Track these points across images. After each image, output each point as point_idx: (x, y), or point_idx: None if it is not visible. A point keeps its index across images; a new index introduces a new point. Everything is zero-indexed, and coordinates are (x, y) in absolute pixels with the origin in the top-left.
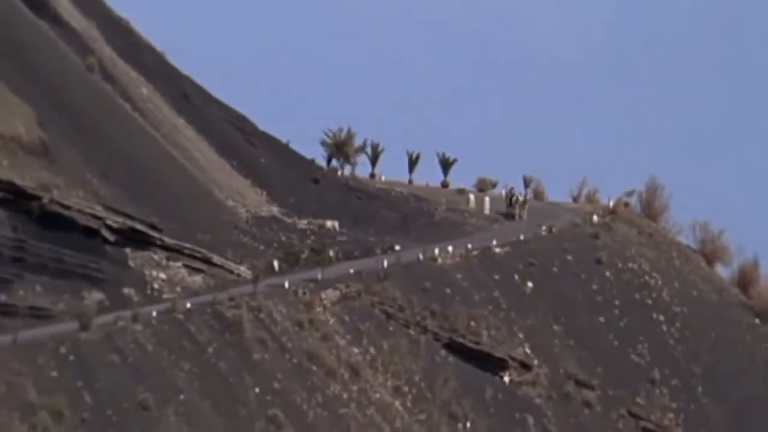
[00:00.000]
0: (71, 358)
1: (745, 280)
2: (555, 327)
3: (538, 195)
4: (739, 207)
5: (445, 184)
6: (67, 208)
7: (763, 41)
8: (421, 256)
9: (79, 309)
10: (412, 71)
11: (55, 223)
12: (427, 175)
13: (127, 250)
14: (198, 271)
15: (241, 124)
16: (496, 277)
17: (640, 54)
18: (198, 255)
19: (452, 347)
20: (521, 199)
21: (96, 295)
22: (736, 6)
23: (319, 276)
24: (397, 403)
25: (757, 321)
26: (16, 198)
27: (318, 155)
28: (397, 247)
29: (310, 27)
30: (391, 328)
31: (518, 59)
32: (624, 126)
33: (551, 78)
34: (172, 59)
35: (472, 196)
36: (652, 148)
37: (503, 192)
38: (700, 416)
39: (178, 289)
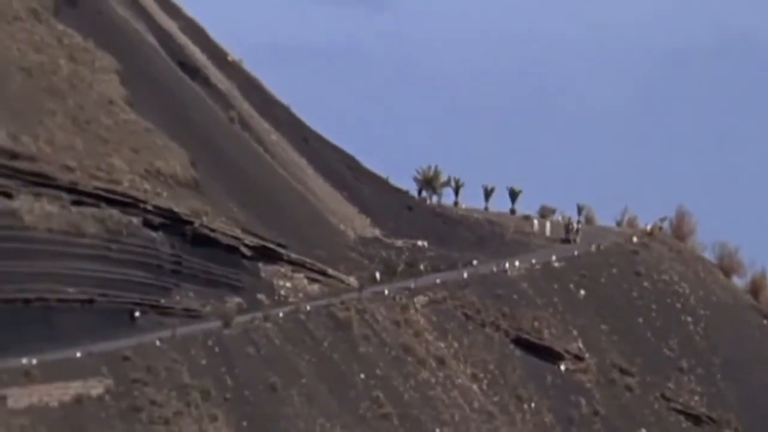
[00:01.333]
0: (216, 349)
1: (755, 288)
2: (602, 326)
3: (589, 220)
4: (751, 229)
5: (513, 211)
6: (213, 230)
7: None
8: (494, 269)
9: (222, 310)
10: (487, 119)
11: (203, 242)
12: (499, 204)
13: (260, 264)
14: (316, 280)
15: (349, 162)
16: (555, 286)
17: (668, 106)
18: (316, 268)
19: (519, 342)
20: (576, 227)
21: (235, 300)
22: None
23: (412, 285)
24: (474, 387)
25: (765, 322)
26: (173, 222)
27: (411, 187)
28: (475, 262)
29: (396, 82)
30: (470, 327)
31: (572, 108)
32: (659, 163)
33: (600, 122)
34: (295, 111)
35: (535, 221)
36: (681, 182)
37: (561, 219)
38: (719, 398)
39: (300, 295)
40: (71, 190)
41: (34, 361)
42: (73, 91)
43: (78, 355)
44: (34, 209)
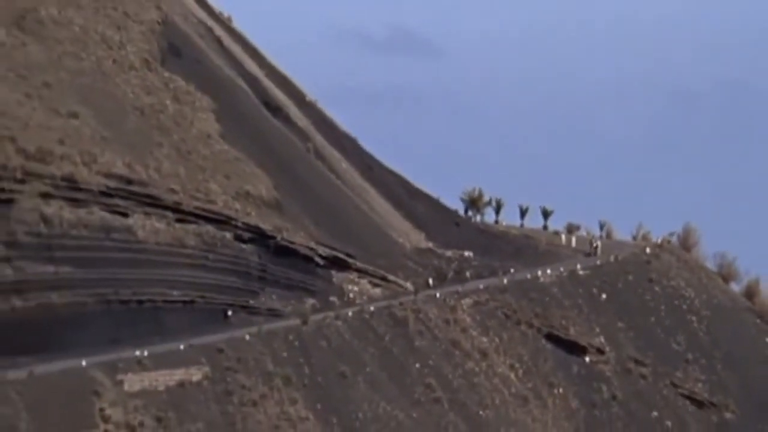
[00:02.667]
0: (295, 343)
1: (750, 293)
2: (620, 324)
3: (608, 234)
4: (746, 242)
5: (545, 227)
6: (292, 243)
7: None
8: (528, 276)
9: (300, 310)
10: (523, 149)
11: (284, 253)
12: (533, 221)
13: (332, 271)
14: (378, 285)
15: (406, 185)
16: (580, 290)
17: (675, 139)
18: (378, 274)
19: (549, 338)
20: (596, 244)
21: (311, 301)
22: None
23: (459, 289)
24: (512, 376)
25: (758, 321)
26: (259, 237)
27: (459, 207)
28: (512, 270)
29: (445, 117)
30: (508, 325)
31: (596, 140)
32: (668, 186)
33: (618, 152)
34: (361, 143)
35: (563, 236)
36: (687, 202)
37: (585, 235)
38: (719, 385)
39: (365, 297)
40: (175, 209)
41: (146, 353)
42: (177, 127)
43: (181, 347)
44: (145, 226)
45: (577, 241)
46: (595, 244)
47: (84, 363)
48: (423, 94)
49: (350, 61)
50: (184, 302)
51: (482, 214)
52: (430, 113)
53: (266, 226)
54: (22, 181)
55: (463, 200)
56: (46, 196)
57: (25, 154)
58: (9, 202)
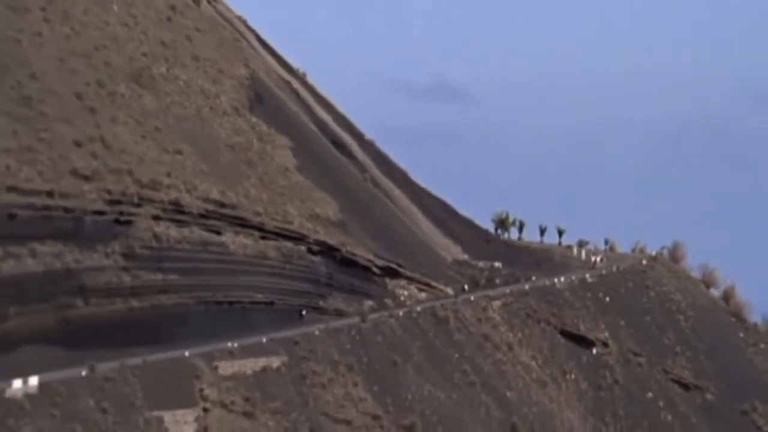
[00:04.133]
0: (356, 337)
1: (726, 296)
2: (621, 322)
3: (612, 248)
4: (725, 255)
5: (559, 243)
6: (354, 255)
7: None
8: (546, 283)
9: (360, 311)
10: (544, 178)
11: (348, 264)
12: (550, 238)
13: (386, 279)
14: (423, 290)
15: (446, 208)
16: (588, 294)
17: (669, 168)
18: (423, 281)
19: (563, 333)
20: (596, 260)
21: (369, 303)
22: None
23: (490, 293)
24: (533, 364)
25: (733, 319)
26: (327, 251)
27: (489, 226)
28: (533, 278)
29: (478, 153)
30: (529, 322)
31: (603, 170)
32: (661, 208)
33: (620, 180)
34: (410, 174)
35: (575, 250)
36: (677, 223)
37: (593, 249)
38: (702, 372)
39: (413, 300)
40: (259, 228)
41: (235, 344)
42: (261, 161)
43: (264, 340)
44: (235, 242)
45: (585, 254)
46: (593, 261)
47: (187, 353)
48: (459, 133)
49: (399, 105)
50: (266, 303)
51: (508, 232)
52: (465, 149)
53: (333, 242)
54: (138, 206)
55: (493, 221)
56: (156, 218)
57: (140, 184)
58: (128, 222)
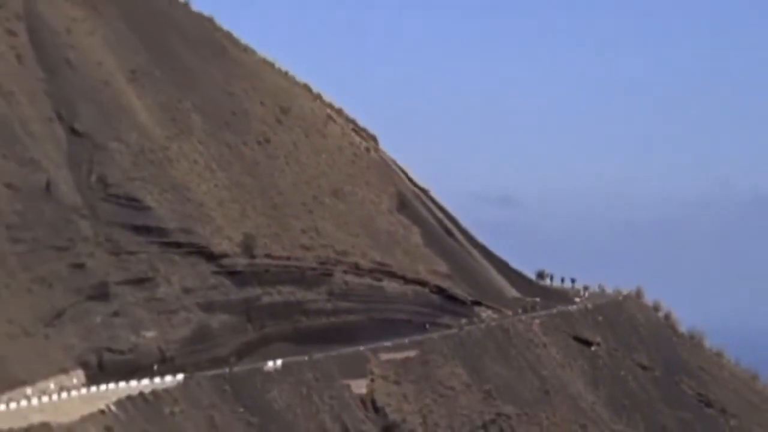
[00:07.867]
0: (457, 339)
1: (667, 316)
2: (608, 332)
3: (603, 289)
4: (667, 291)
5: (573, 286)
6: (456, 293)
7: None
8: (565, 309)
9: (459, 324)
10: (569, 250)
11: (452, 298)
12: (568, 283)
13: (474, 306)
14: (495, 313)
15: (502, 265)
16: (589, 316)
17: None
18: (494, 307)
19: (574, 338)
20: (585, 294)
21: (464, 320)
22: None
23: (533, 315)
24: (557, 355)
25: (670, 329)
26: (440, 291)
27: (532, 275)
28: (558, 307)
29: (520, 243)
30: (556, 331)
31: (608, 234)
32: (636, 266)
33: (614, 251)
34: (489, 246)
35: (580, 290)
36: (641, 275)
37: (589, 290)
38: (655, 360)
39: (489, 318)
40: (401, 277)
41: (389, 344)
42: (405, 241)
43: (406, 341)
44: (389, 285)
45: (586, 293)
46: (582, 295)
47: (361, 348)
48: (508, 228)
49: (466, 205)
50: (406, 321)
51: (543, 280)
52: (511, 240)
53: (443, 285)
54: (335, 265)
55: (535, 273)
56: (345, 272)
57: (336, 252)
58: (330, 274)
